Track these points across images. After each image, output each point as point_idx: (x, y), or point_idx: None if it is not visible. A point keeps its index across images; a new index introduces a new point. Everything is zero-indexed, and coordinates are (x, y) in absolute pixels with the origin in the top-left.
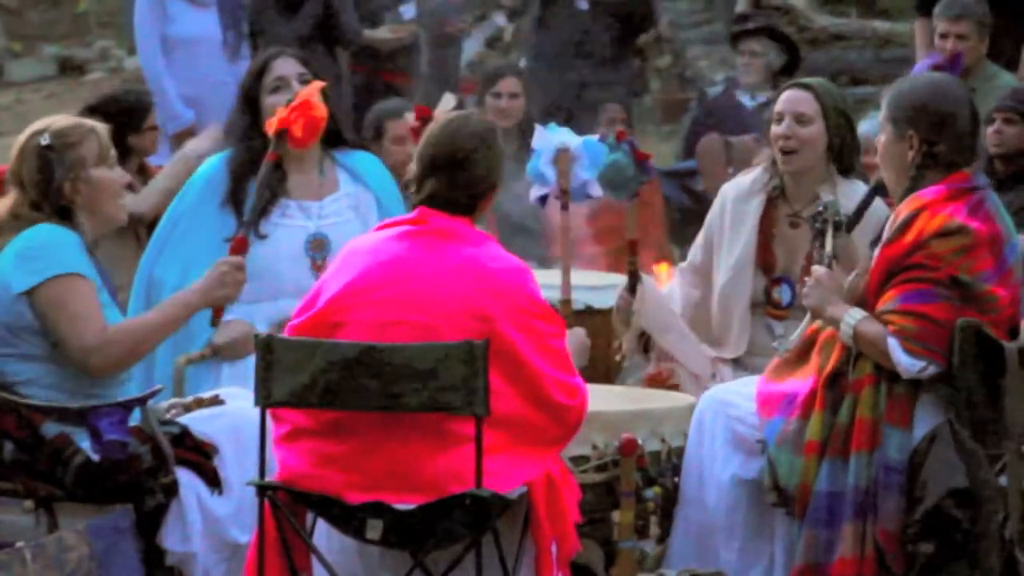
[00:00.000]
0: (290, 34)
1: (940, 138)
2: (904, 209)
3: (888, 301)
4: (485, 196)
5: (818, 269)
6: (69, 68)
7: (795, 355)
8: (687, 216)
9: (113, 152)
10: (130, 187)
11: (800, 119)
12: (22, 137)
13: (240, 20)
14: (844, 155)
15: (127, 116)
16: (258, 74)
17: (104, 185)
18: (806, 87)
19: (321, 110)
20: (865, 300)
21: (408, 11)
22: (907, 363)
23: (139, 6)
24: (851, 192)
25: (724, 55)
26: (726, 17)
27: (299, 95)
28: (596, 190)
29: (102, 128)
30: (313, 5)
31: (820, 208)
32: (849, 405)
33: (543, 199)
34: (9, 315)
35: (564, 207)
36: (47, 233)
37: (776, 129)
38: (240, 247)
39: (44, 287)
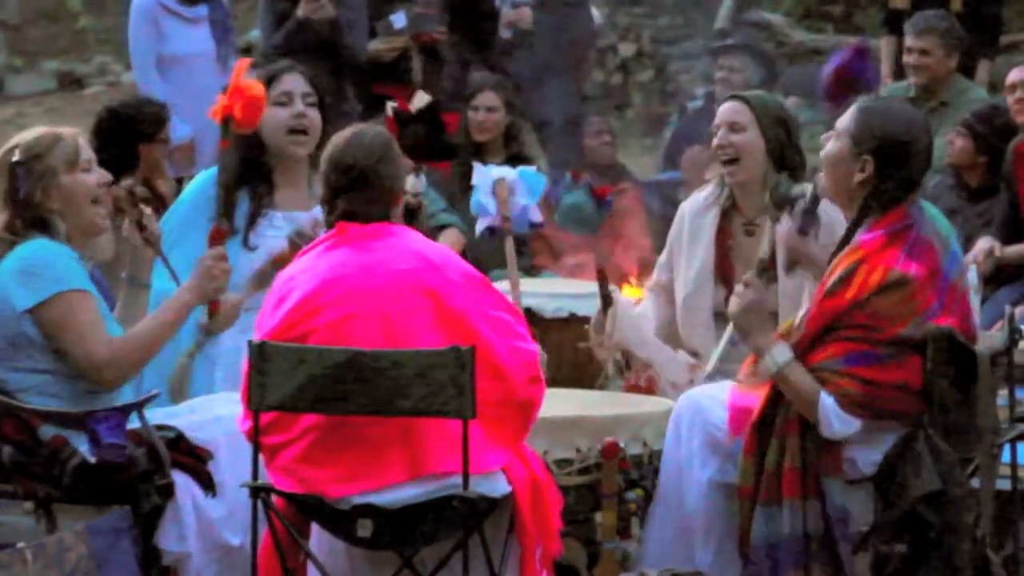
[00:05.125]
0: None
1: (893, 173)
2: (844, 261)
3: (830, 359)
4: (395, 201)
5: (748, 280)
6: (68, 83)
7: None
8: (668, 226)
9: (86, 156)
10: (145, 201)
11: (733, 127)
12: None
13: (230, 33)
14: (786, 158)
15: (142, 124)
16: (265, 85)
17: (77, 190)
18: (740, 99)
19: (257, 88)
20: (797, 340)
21: (399, 20)
22: (837, 427)
23: (133, 26)
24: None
25: (704, 69)
26: (706, 33)
27: (232, 81)
28: (536, 215)
29: (70, 134)
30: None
31: (800, 197)
32: (775, 451)
33: (491, 230)
34: (10, 331)
35: (508, 233)
36: (45, 249)
37: (714, 141)
38: (218, 237)
39: (49, 305)
